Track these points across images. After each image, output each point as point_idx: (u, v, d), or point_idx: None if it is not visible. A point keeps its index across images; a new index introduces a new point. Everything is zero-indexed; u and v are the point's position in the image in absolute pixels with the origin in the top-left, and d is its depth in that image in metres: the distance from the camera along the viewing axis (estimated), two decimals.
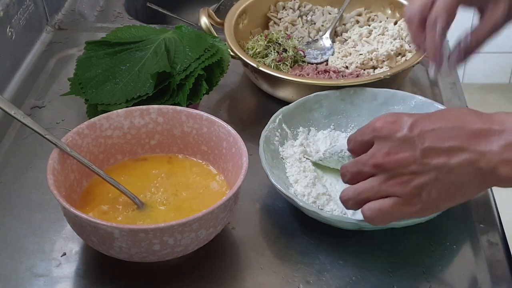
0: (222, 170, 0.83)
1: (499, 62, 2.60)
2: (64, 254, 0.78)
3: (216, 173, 0.83)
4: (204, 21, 1.03)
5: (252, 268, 0.77)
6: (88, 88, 0.91)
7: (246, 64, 1.00)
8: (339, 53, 1.07)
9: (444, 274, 0.76)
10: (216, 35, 1.01)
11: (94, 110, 0.90)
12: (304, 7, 1.14)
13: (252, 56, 1.02)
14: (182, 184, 0.81)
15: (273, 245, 0.80)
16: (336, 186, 0.85)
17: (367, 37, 1.08)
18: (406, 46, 1.05)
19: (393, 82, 0.98)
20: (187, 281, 0.76)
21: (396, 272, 0.76)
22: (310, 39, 1.10)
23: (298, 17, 1.14)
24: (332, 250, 0.79)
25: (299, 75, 1.00)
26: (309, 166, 0.86)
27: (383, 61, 1.04)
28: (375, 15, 1.13)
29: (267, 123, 0.88)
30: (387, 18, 1.12)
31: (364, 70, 1.03)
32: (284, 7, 1.14)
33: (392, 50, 1.04)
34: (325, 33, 1.10)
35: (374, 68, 1.04)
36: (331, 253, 0.78)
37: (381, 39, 1.07)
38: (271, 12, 1.14)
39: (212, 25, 1.03)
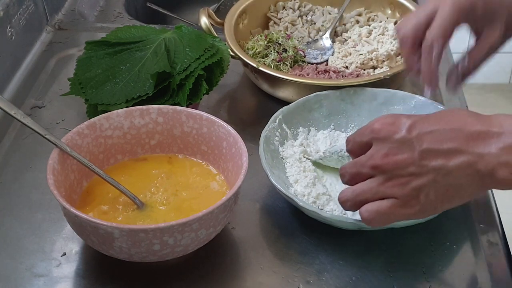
0: (222, 170, 0.83)
1: (499, 62, 2.59)
2: (64, 254, 0.78)
3: (216, 173, 0.83)
4: (204, 21, 1.03)
5: (252, 268, 0.77)
6: (88, 88, 0.91)
7: (246, 64, 1.00)
8: (339, 53, 1.07)
9: (444, 274, 0.76)
10: (216, 35, 1.01)
11: (94, 110, 0.90)
12: (304, 7, 1.14)
13: (252, 56, 1.02)
14: (182, 184, 0.81)
15: (273, 245, 0.80)
16: (336, 186, 0.85)
17: (367, 37, 1.08)
18: None
19: (393, 82, 0.98)
20: (187, 281, 0.76)
21: (396, 272, 0.76)
22: (310, 39, 1.10)
23: (298, 17, 1.14)
24: (332, 250, 0.79)
25: (299, 75, 1.00)
26: (309, 166, 0.86)
27: (383, 61, 1.04)
28: (375, 15, 1.13)
29: (267, 123, 0.87)
30: (387, 18, 1.12)
31: (364, 70, 1.03)
32: (284, 7, 1.14)
33: (392, 50, 1.04)
34: (325, 33, 1.10)
35: (374, 68, 1.04)
36: (331, 253, 0.78)
37: (381, 39, 1.07)
38: (271, 12, 1.14)
39: (212, 25, 1.03)
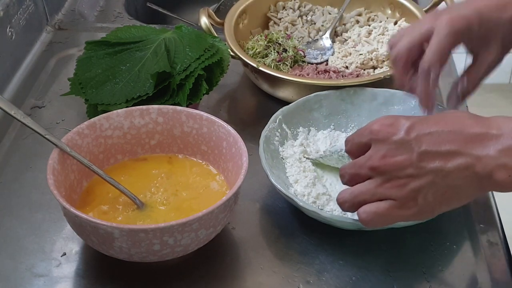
0: (222, 170, 0.83)
1: None
2: (64, 254, 0.78)
3: (216, 173, 0.83)
4: (204, 21, 1.03)
5: (252, 268, 0.77)
6: (88, 88, 0.91)
7: (246, 64, 1.00)
8: (339, 53, 1.07)
9: (444, 274, 0.76)
10: (216, 35, 1.01)
11: (94, 110, 0.90)
12: (304, 7, 1.14)
13: (252, 56, 1.02)
14: (182, 184, 0.81)
15: (273, 245, 0.80)
16: (336, 186, 0.85)
17: (367, 37, 1.08)
18: None
19: (393, 82, 0.98)
20: (187, 281, 0.76)
21: (396, 272, 0.76)
22: (310, 39, 1.10)
23: (298, 17, 1.14)
24: (332, 250, 0.79)
25: (299, 75, 1.00)
26: (309, 166, 0.86)
27: (383, 61, 1.04)
28: (375, 15, 1.13)
29: (267, 123, 0.87)
30: (387, 18, 1.12)
31: (364, 70, 1.03)
32: (284, 7, 1.14)
33: None
34: (325, 33, 1.10)
35: (374, 68, 1.04)
36: (331, 253, 0.78)
37: (381, 39, 1.07)
38: (271, 12, 1.14)
39: (212, 25, 1.03)
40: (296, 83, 0.96)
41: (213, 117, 0.82)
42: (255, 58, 1.02)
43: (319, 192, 0.82)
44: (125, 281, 0.76)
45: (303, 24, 1.13)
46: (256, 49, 1.03)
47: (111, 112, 0.83)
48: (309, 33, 1.11)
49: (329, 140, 0.91)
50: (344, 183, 0.72)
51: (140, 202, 0.78)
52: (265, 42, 1.04)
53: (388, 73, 0.96)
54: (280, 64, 1.02)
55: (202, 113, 0.83)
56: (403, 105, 0.92)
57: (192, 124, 0.84)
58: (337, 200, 0.72)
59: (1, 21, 1.02)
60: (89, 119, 0.83)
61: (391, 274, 0.76)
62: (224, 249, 0.79)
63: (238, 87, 1.06)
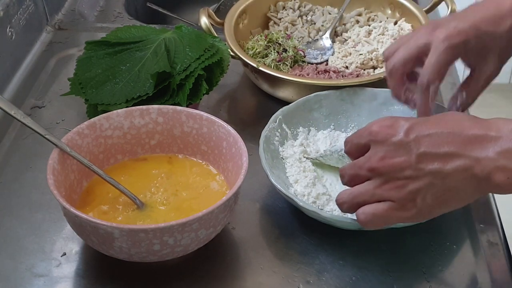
0: (222, 170, 0.83)
1: None
2: (64, 254, 0.78)
3: (216, 173, 0.83)
4: (204, 21, 1.03)
5: (252, 268, 0.77)
6: (88, 88, 0.91)
7: (246, 64, 1.00)
8: (339, 53, 1.07)
9: (444, 274, 0.76)
10: (216, 35, 1.01)
11: (94, 110, 0.90)
12: (304, 7, 1.14)
13: (252, 56, 1.02)
14: (182, 184, 0.81)
15: (273, 245, 0.80)
16: (336, 186, 0.85)
17: (367, 37, 1.08)
18: None
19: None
20: (187, 281, 0.76)
21: (396, 272, 0.76)
22: (310, 39, 1.10)
23: (298, 17, 1.14)
24: (332, 250, 0.79)
25: (299, 75, 1.00)
26: (309, 166, 0.86)
27: (383, 61, 1.04)
28: (375, 15, 1.13)
29: (267, 123, 0.87)
30: (387, 18, 1.12)
31: (364, 70, 1.03)
32: (284, 7, 1.14)
33: None
34: (325, 33, 1.10)
35: (374, 68, 1.04)
36: (331, 253, 0.78)
37: (381, 39, 1.07)
38: (271, 12, 1.14)
39: (212, 25, 1.03)
40: (296, 83, 0.96)
41: (213, 117, 0.82)
42: (255, 58, 1.02)
43: (319, 192, 0.82)
44: (125, 281, 0.76)
45: (303, 24, 1.13)
46: (256, 49, 1.03)
47: (111, 112, 0.83)
48: (309, 33, 1.11)
49: (329, 140, 0.91)
50: (344, 184, 0.72)
51: (140, 202, 0.78)
52: (265, 42, 1.04)
53: None
54: (280, 64, 1.02)
55: (202, 113, 0.83)
56: (403, 105, 0.92)
57: (192, 124, 0.84)
58: (336, 201, 0.72)
59: (1, 21, 1.02)
60: (89, 119, 0.83)
61: (391, 274, 0.76)
62: (224, 249, 0.79)
63: (238, 87, 1.06)
